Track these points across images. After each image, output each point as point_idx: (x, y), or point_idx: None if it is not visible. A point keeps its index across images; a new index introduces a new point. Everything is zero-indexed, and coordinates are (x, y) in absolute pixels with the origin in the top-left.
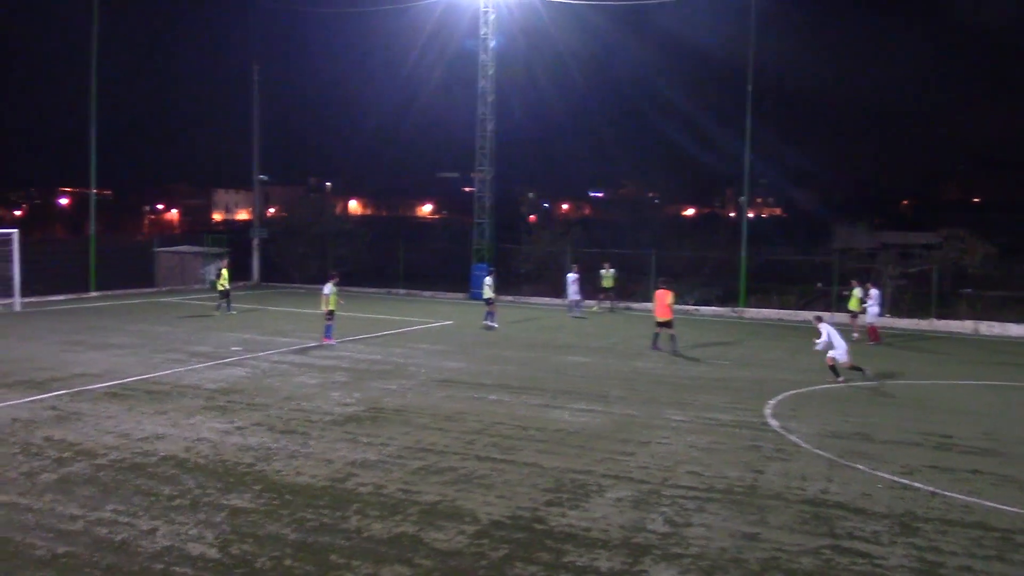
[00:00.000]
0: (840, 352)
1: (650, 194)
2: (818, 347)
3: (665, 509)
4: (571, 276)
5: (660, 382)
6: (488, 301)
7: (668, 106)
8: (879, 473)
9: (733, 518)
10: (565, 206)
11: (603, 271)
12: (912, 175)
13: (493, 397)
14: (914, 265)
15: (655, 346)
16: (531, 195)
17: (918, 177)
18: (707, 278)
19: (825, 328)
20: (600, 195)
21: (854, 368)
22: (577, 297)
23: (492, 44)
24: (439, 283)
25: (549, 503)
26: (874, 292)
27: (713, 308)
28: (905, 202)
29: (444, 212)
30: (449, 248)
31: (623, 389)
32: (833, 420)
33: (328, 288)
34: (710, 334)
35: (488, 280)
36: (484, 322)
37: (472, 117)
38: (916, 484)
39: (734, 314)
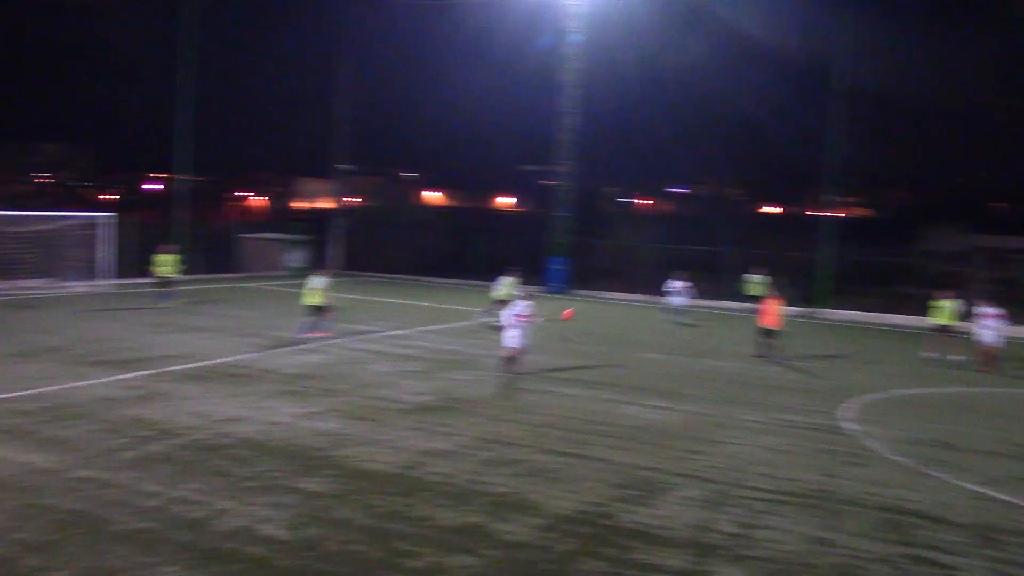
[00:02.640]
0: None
1: (733, 191)
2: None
3: (735, 510)
4: (676, 284)
5: (733, 381)
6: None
7: (758, 101)
8: (960, 483)
9: (804, 522)
10: (646, 201)
11: (750, 277)
12: (1008, 176)
13: (565, 391)
14: (1007, 270)
15: (763, 354)
16: (611, 190)
17: (1015, 178)
18: (788, 277)
19: None
20: (681, 191)
21: None
22: (683, 302)
23: (578, 37)
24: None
25: (617, 499)
26: (989, 311)
27: (794, 308)
28: (1000, 204)
29: (524, 205)
30: (527, 241)
31: (696, 387)
32: (912, 426)
33: (320, 282)
34: (790, 335)
35: (509, 279)
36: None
37: (555, 110)
38: (999, 495)
39: (813, 315)
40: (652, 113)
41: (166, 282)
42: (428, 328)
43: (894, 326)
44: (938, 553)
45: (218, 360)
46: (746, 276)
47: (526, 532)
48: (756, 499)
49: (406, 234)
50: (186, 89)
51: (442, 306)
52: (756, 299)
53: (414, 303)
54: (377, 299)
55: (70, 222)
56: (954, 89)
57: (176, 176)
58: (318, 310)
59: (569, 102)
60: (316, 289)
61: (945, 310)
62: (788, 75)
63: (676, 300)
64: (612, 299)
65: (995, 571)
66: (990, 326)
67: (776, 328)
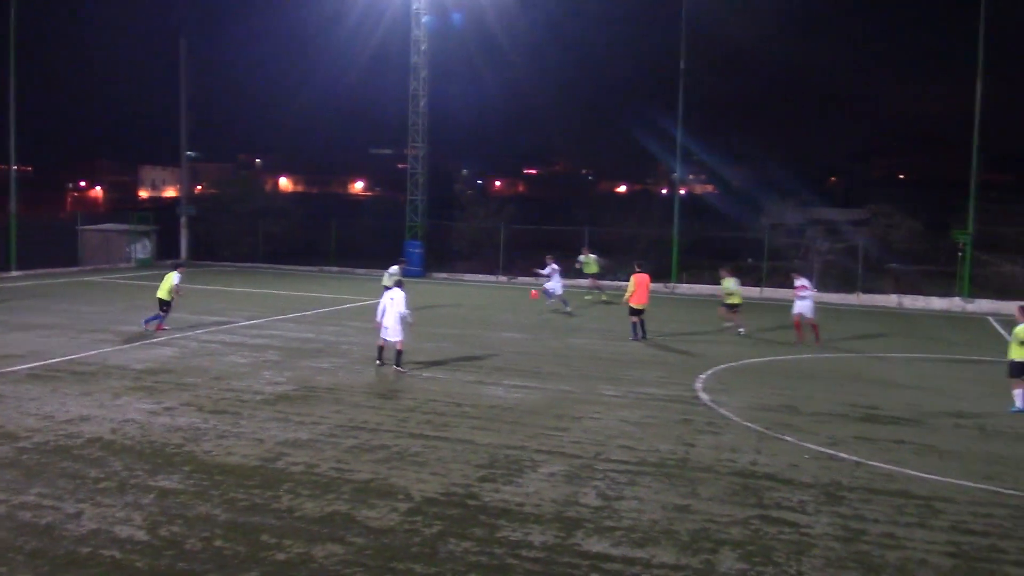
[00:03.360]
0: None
1: (584, 171)
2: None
3: (598, 483)
4: (549, 268)
5: (593, 358)
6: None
7: (602, 83)
8: (806, 444)
9: (664, 491)
10: (499, 183)
11: (583, 257)
12: (841, 152)
13: (427, 374)
14: (842, 240)
15: (637, 336)
16: (464, 172)
17: (847, 154)
18: (640, 254)
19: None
20: (534, 172)
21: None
22: (559, 291)
23: (425, 19)
24: (373, 261)
25: (483, 479)
26: (803, 283)
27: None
28: (834, 179)
29: (377, 189)
30: (383, 225)
31: (556, 365)
32: (762, 393)
33: (176, 277)
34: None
35: (394, 269)
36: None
37: (405, 93)
38: (841, 454)
39: (667, 290)
40: (504, 95)
41: None
42: (283, 316)
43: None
44: (789, 512)
45: (62, 358)
46: (581, 256)
47: (393, 517)
48: (618, 471)
49: (257, 222)
50: (12, 74)
51: (297, 294)
52: (592, 277)
53: (268, 291)
54: (229, 289)
55: None
56: (795, 69)
57: (9, 167)
58: (164, 303)
59: (420, 84)
60: (172, 283)
61: (728, 288)
62: (634, 52)
63: (552, 285)
64: (470, 281)
65: (841, 526)
66: (804, 296)
67: (644, 306)
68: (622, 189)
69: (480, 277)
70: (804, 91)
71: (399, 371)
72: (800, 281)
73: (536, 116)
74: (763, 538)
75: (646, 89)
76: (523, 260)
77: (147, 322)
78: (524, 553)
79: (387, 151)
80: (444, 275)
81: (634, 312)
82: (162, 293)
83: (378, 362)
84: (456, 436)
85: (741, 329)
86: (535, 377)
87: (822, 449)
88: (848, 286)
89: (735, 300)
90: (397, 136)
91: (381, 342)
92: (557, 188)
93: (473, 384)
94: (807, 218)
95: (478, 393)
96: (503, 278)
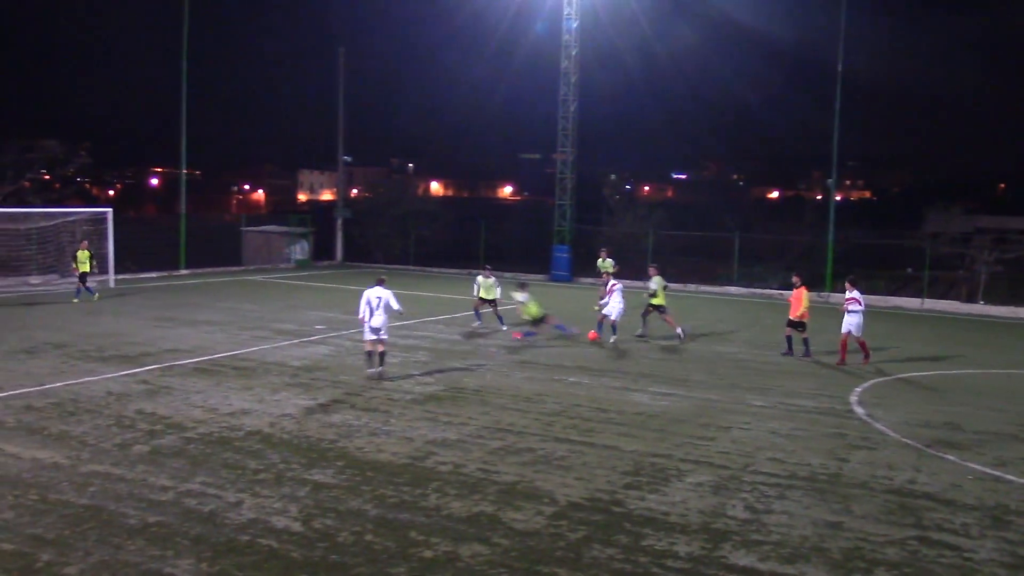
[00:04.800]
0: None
1: (735, 176)
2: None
3: (746, 495)
4: (610, 284)
5: (742, 367)
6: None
7: (756, 87)
8: (969, 464)
9: (815, 506)
10: (647, 188)
11: (601, 261)
12: (1010, 157)
13: (572, 379)
14: (1010, 251)
15: (791, 351)
16: (613, 177)
17: (1016, 160)
18: (791, 262)
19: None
20: (683, 176)
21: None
22: (614, 315)
23: (575, 24)
24: (520, 264)
25: (628, 486)
26: (857, 294)
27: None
28: (1002, 185)
29: (525, 194)
30: (530, 229)
31: (703, 373)
32: (922, 409)
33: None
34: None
35: (491, 280)
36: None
37: (555, 98)
38: (1009, 476)
39: (820, 299)
40: (651, 99)
41: (83, 277)
42: (433, 318)
43: (899, 308)
44: (950, 535)
45: (225, 353)
46: (601, 259)
47: (538, 520)
48: (767, 484)
49: (408, 224)
50: (184, 83)
51: (446, 296)
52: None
53: (418, 293)
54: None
55: (72, 218)
56: (959, 73)
57: (179, 171)
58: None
59: (570, 89)
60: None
61: (651, 288)
62: (787, 60)
63: (612, 305)
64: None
65: (1008, 552)
66: (855, 311)
67: (803, 319)
68: (774, 195)
69: (627, 282)
70: (973, 94)
71: (384, 375)
72: (853, 293)
73: (688, 120)
74: (921, 560)
75: (801, 91)
76: (672, 266)
77: (526, 335)
78: (669, 563)
79: (535, 156)
80: (591, 280)
81: (792, 325)
82: (532, 310)
83: (369, 370)
84: (601, 442)
85: (679, 329)
86: (681, 385)
87: (987, 470)
88: (1017, 299)
89: (659, 301)
90: (546, 141)
91: (369, 346)
92: (707, 193)
93: (619, 390)
94: (972, 226)
95: (624, 399)
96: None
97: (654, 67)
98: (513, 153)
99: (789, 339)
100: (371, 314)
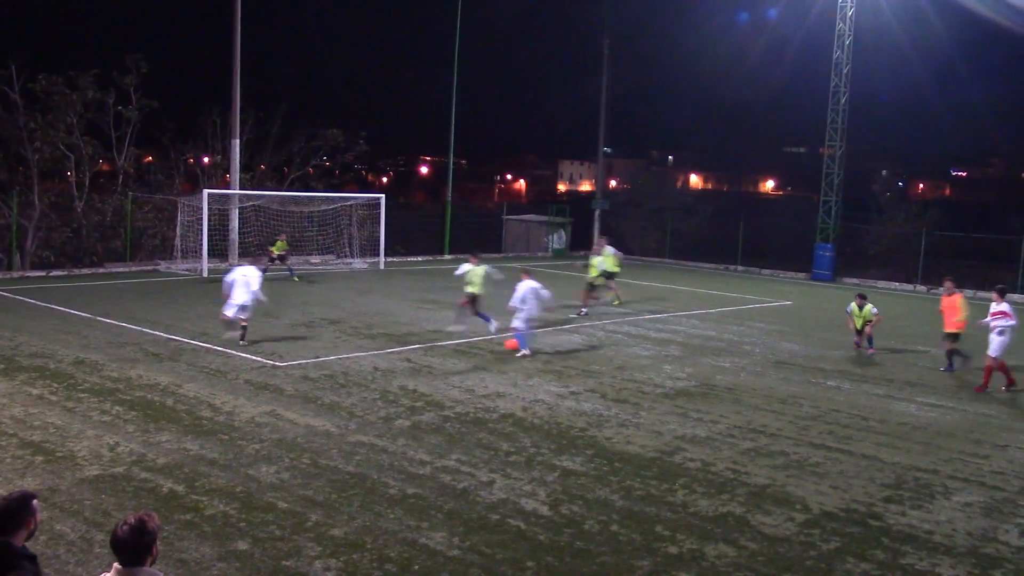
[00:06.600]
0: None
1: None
2: None
3: (1021, 520)
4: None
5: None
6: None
7: None
8: None
9: None
10: (922, 185)
11: (604, 251)
12: None
13: (831, 383)
14: None
15: (952, 366)
16: (884, 172)
17: None
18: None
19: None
20: (963, 174)
21: None
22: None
23: (851, 12)
24: (780, 261)
25: (887, 499)
26: (1005, 307)
27: None
28: None
29: (788, 188)
30: (792, 226)
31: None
32: None
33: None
34: None
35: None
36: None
37: (824, 90)
38: None
39: None
40: (931, 91)
41: (282, 258)
42: (687, 313)
43: None
44: None
45: (482, 337)
46: (601, 253)
47: (789, 527)
48: None
49: (665, 218)
50: (455, 76)
51: (701, 291)
52: (611, 278)
53: (672, 287)
54: (635, 282)
55: (349, 203)
56: None
57: (447, 159)
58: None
59: (842, 80)
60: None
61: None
62: None
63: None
64: (883, 288)
65: None
66: (1005, 328)
67: (961, 329)
68: None
69: (894, 285)
70: None
71: (241, 343)
72: (1001, 306)
73: (972, 114)
74: None
75: None
76: (945, 270)
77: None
78: None
79: (801, 149)
80: (855, 280)
81: (950, 337)
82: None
83: (242, 342)
84: (860, 451)
85: (584, 310)
86: (952, 396)
87: None
88: None
89: (595, 274)
90: (813, 134)
91: (228, 318)
92: (990, 192)
93: (881, 398)
94: None
95: (887, 408)
96: (921, 287)
97: (935, 55)
98: (777, 146)
99: (950, 354)
100: (231, 288)
